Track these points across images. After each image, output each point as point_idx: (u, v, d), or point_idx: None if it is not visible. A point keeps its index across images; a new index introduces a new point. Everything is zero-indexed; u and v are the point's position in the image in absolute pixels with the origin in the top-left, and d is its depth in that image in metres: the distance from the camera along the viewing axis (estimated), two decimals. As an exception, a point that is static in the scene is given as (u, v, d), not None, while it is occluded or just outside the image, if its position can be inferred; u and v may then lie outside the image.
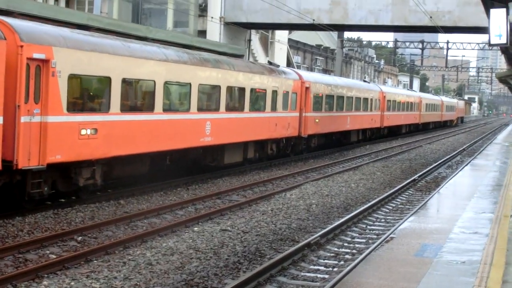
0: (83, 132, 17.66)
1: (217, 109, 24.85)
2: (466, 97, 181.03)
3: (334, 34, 72.36)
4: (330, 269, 13.48)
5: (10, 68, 15.63)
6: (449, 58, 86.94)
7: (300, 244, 14.67)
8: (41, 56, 16.21)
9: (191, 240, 15.24)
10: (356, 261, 13.03)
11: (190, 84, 22.87)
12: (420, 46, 74.04)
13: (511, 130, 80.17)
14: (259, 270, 12.39)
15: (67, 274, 12.26)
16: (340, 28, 48.40)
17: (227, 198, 21.63)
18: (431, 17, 38.04)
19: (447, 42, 74.30)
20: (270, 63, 35.48)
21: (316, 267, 13.64)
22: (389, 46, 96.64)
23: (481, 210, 16.94)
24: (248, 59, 44.29)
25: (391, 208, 21.30)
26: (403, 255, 11.84)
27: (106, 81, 18.70)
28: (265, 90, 29.25)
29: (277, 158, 32.58)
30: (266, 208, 19.81)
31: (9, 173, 16.01)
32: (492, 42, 16.76)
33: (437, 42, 77.81)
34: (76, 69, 17.43)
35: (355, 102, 44.05)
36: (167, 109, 21.69)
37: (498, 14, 16.05)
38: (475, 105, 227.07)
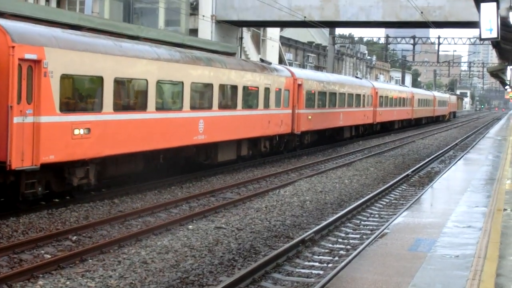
0: (76, 132, 17.65)
1: (210, 107, 24.86)
2: (458, 92, 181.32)
3: (326, 31, 72.44)
4: (325, 265, 13.52)
5: (2, 69, 15.64)
6: (440, 53, 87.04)
7: (294, 241, 14.71)
8: (33, 56, 16.20)
9: (185, 238, 15.27)
10: (351, 256, 13.07)
11: (182, 82, 22.88)
12: (412, 41, 74.14)
13: (503, 124, 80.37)
14: (254, 267, 12.43)
15: (62, 273, 12.27)
16: (331, 25, 48.52)
17: (221, 195, 21.65)
18: (422, 13, 38.13)
19: (438, 37, 74.42)
20: (262, 60, 35.51)
21: (310, 263, 13.68)
22: (380, 42, 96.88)
23: (474, 204, 17.00)
24: (240, 57, 44.32)
25: (384, 203, 21.36)
26: (397, 250, 11.88)
27: (98, 81, 18.70)
28: (258, 87, 29.28)
29: (270, 155, 32.60)
30: (260, 205, 19.85)
31: (3, 173, 16.00)
32: (482, 37, 16.78)
33: (428, 38, 77.95)
34: (68, 69, 17.42)
35: (347, 99, 44.11)
36: (160, 108, 21.69)
37: (488, 8, 16.09)
38: (467, 99, 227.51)
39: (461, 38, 72.20)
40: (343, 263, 12.58)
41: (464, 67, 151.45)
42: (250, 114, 28.46)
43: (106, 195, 20.00)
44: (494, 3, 15.89)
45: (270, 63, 33.37)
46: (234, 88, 26.98)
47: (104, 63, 18.77)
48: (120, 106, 19.70)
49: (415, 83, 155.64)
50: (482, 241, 12.43)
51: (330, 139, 42.83)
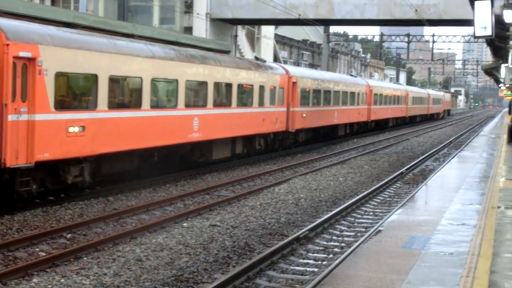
0: (71, 129, 17.65)
1: (204, 105, 24.87)
2: (452, 89, 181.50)
3: (320, 28, 72.46)
4: (320, 262, 13.55)
5: (-3, 67, 15.61)
6: (435, 51, 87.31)
7: (289, 238, 14.73)
8: (28, 54, 16.18)
9: (180, 236, 15.28)
10: (345, 254, 13.09)
11: (177, 80, 22.88)
12: (406, 39, 74.25)
13: (497, 122, 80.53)
14: (249, 265, 12.45)
15: (57, 271, 12.27)
16: (326, 22, 48.50)
17: (216, 193, 21.66)
18: (416, 11, 38.16)
19: (433, 35, 74.51)
20: (256, 58, 35.51)
21: (305, 261, 13.70)
22: (375, 40, 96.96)
23: (468, 202, 17.05)
24: (235, 54, 44.31)
25: (379, 201, 21.40)
26: (392, 247, 11.91)
27: (93, 79, 18.69)
28: (252, 85, 29.29)
29: (265, 153, 32.62)
30: (255, 203, 19.86)
31: (-3, 171, 15.99)
32: (477, 34, 16.84)
33: (422, 35, 78.09)
34: (63, 67, 17.41)
35: (342, 96, 44.14)
36: (155, 105, 21.69)
37: (482, 6, 16.14)
38: (461, 97, 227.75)
39: (455, 36, 72.42)
40: (337, 261, 12.61)
41: (459, 65, 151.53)
42: (245, 112, 28.48)
43: (100, 193, 19.99)
44: (489, 1, 15.95)
45: (264, 61, 33.38)
46: (229, 86, 26.99)
47: (99, 61, 18.76)
48: (114, 104, 19.69)
49: (410, 81, 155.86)
50: (476, 239, 12.47)
51: (324, 137, 42.86)
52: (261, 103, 30.13)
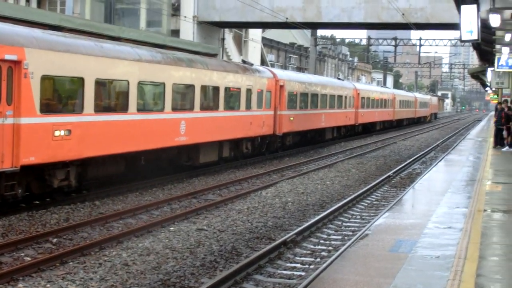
0: (57, 133, 17.56)
1: (191, 109, 24.82)
2: (439, 93, 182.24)
3: (308, 32, 72.55)
4: (307, 266, 13.53)
5: (-18, 70, 15.51)
6: (422, 54, 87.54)
7: (276, 242, 14.71)
8: (13, 57, 16.09)
9: (167, 240, 15.22)
10: (332, 258, 13.08)
11: (164, 83, 22.82)
12: (393, 43, 74.42)
13: (484, 125, 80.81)
14: (236, 269, 12.42)
15: (43, 276, 12.19)
16: (313, 26, 48.64)
17: (203, 197, 21.62)
18: (403, 14, 38.30)
19: (420, 39, 74.76)
20: (244, 61, 35.50)
21: (292, 265, 13.68)
22: (362, 43, 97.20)
23: (455, 205, 17.06)
24: (222, 58, 44.30)
25: (366, 204, 21.41)
26: (379, 251, 11.90)
27: (79, 82, 18.62)
28: (240, 88, 29.27)
29: (252, 156, 32.60)
30: (242, 207, 19.83)
31: (-18, 175, 15.89)
32: (463, 38, 16.89)
33: (409, 39, 78.31)
34: (49, 70, 17.33)
35: (329, 100, 44.19)
36: (141, 109, 21.63)
37: (468, 10, 16.19)
38: (448, 101, 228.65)
39: (442, 39, 72.68)
40: (324, 264, 12.59)
41: (445, 68, 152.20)
42: (232, 116, 28.45)
43: (87, 197, 19.90)
44: (475, 5, 16.01)
45: (252, 64, 33.38)
46: (216, 89, 26.96)
47: (85, 64, 18.68)
48: (101, 107, 19.62)
49: (397, 85, 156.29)
50: (462, 242, 12.48)
51: (312, 141, 42.89)
52: (248, 107, 30.11)
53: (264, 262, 13.53)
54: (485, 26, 18.52)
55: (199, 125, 25.20)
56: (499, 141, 35.21)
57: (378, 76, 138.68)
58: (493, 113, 61.32)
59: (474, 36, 16.40)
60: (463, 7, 16.33)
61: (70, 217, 17.29)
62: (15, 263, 13.02)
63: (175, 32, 42.78)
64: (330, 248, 15.16)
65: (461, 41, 17.56)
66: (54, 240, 14.89)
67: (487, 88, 75.79)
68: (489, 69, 41.40)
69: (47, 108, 17.35)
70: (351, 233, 16.74)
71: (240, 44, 56.51)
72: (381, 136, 58.50)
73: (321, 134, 44.70)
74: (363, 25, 43.81)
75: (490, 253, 11.60)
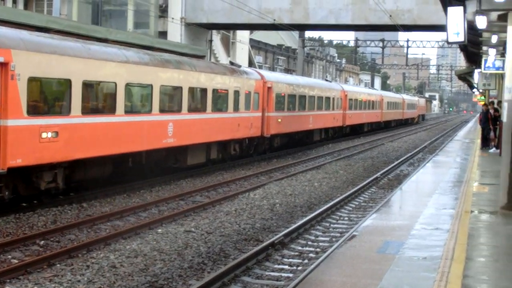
0: (44, 135, 17.50)
1: (179, 110, 24.80)
2: (427, 94, 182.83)
3: (296, 33, 72.62)
4: (295, 268, 13.55)
5: (-32, 72, 15.45)
6: (409, 56, 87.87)
7: (264, 244, 14.72)
8: (0, 59, 16.03)
9: (155, 242, 15.21)
10: (320, 259, 13.08)
11: (151, 85, 22.80)
12: (381, 44, 74.64)
13: (471, 127, 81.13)
14: (224, 271, 12.42)
15: (30, 278, 12.15)
16: (301, 27, 48.63)
17: (191, 199, 21.60)
18: (390, 16, 38.40)
19: (407, 41, 75.10)
20: (231, 63, 35.51)
21: (280, 266, 13.69)
22: (350, 45, 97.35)
23: (442, 206, 17.13)
24: (210, 59, 44.28)
25: (354, 206, 21.46)
26: (366, 252, 11.93)
27: (66, 84, 18.56)
28: (227, 90, 29.27)
29: (240, 158, 32.60)
30: (230, 209, 19.83)
31: (-31, 178, 15.83)
32: (450, 40, 16.95)
33: (397, 41, 78.52)
34: (36, 72, 17.28)
35: (317, 101, 44.25)
36: (129, 111, 21.59)
37: (455, 12, 16.25)
38: (435, 102, 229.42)
39: (429, 41, 73.00)
40: (312, 266, 12.60)
41: (433, 70, 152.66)
42: (220, 117, 28.45)
43: (74, 199, 19.85)
44: (461, 7, 16.06)
45: (239, 66, 33.39)
46: (204, 91, 26.94)
47: (72, 65, 18.64)
48: (88, 109, 19.57)
49: (385, 86, 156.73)
50: (449, 243, 12.53)
51: (300, 142, 42.94)
52: (236, 108, 30.12)
53: (252, 263, 13.54)
54: (471, 28, 18.60)
55: (186, 127, 25.18)
56: (484, 143, 35.40)
57: (366, 77, 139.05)
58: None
59: (461, 38, 16.46)
60: (449, 9, 16.39)
61: (57, 219, 17.25)
62: (2, 265, 12.96)
63: (163, 34, 42.72)
64: (318, 249, 15.18)
65: (448, 43, 17.63)
66: (42, 242, 14.85)
67: (474, 90, 76.07)
68: (476, 71, 41.50)
69: (34, 110, 17.29)
70: (338, 234, 16.77)
71: (228, 45, 56.52)
72: (368, 137, 58.62)
73: (309, 136, 44.74)
74: (351, 27, 43.88)
75: (477, 254, 11.66)
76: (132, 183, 22.92)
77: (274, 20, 40.25)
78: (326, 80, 58.35)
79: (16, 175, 17.28)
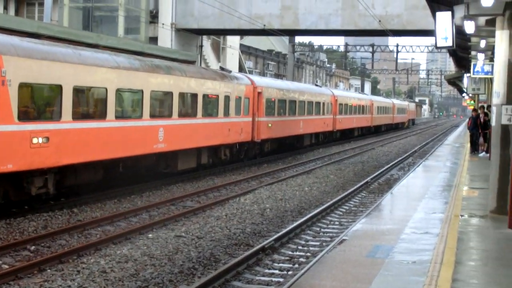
0: (35, 140, 17.51)
1: (169, 116, 24.83)
2: (417, 99, 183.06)
3: (286, 39, 72.78)
4: (285, 272, 13.58)
5: (-41, 78, 15.46)
6: (399, 61, 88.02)
7: (254, 249, 14.75)
8: (-10, 65, 16.05)
9: (145, 247, 15.22)
10: (310, 264, 13.13)
11: (142, 91, 22.83)
12: (371, 49, 74.81)
13: (461, 131, 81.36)
14: (214, 275, 12.44)
15: (20, 284, 12.16)
16: (291, 33, 48.80)
17: (181, 204, 21.62)
18: (380, 21, 38.56)
19: (397, 46, 75.27)
20: (222, 68, 35.57)
21: (270, 271, 13.73)
22: (340, 50, 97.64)
23: (432, 211, 17.20)
24: (200, 65, 44.32)
25: (344, 210, 21.52)
26: (356, 256, 11.99)
27: (57, 89, 18.58)
28: (218, 95, 29.32)
29: (230, 163, 32.64)
30: (220, 214, 19.86)
31: (-41, 183, 15.82)
32: (438, 45, 17.09)
33: (387, 46, 78.82)
34: (27, 78, 17.29)
35: (307, 106, 44.33)
36: (120, 116, 21.62)
37: (443, 17, 16.38)
38: (425, 107, 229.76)
39: (419, 46, 73.23)
40: (302, 270, 12.62)
41: (423, 74, 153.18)
42: (210, 122, 28.49)
43: (65, 204, 19.85)
44: (449, 12, 16.19)
45: (230, 71, 33.45)
46: (194, 96, 26.99)
47: (63, 71, 18.66)
48: (79, 115, 19.59)
49: (375, 91, 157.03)
50: (439, 247, 12.60)
51: (290, 147, 43.00)
52: (226, 113, 30.17)
53: (243, 268, 13.57)
54: (460, 33, 18.73)
55: (177, 132, 25.22)
56: (473, 147, 35.56)
57: (356, 82, 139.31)
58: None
59: (449, 42, 16.59)
60: (438, 14, 16.52)
61: (48, 225, 17.24)
62: (-7, 271, 12.97)
63: (153, 39, 42.75)
64: (308, 254, 15.22)
65: (437, 47, 17.77)
66: (32, 248, 14.84)
67: (464, 94, 76.36)
68: (466, 75, 41.72)
69: (25, 115, 17.30)
70: (329, 239, 16.83)
71: (218, 51, 56.57)
72: (359, 142, 58.72)
73: (299, 141, 44.82)
74: (341, 32, 44.06)
75: (466, 258, 11.74)
76: (123, 188, 22.93)
77: (264, 25, 40.35)
78: (316, 85, 58.45)
79: (6, 180, 17.28)
